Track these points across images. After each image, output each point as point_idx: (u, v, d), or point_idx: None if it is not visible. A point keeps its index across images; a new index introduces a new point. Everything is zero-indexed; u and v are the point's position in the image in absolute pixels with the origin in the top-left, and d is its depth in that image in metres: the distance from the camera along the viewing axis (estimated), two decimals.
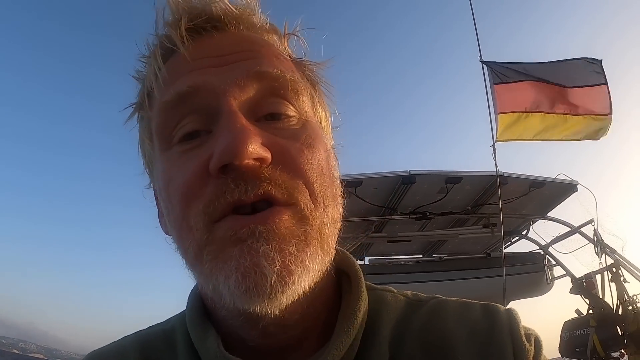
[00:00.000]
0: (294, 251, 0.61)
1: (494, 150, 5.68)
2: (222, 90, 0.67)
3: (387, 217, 6.04)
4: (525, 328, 0.77)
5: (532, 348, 0.74)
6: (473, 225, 6.48)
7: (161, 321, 0.92)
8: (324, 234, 0.67)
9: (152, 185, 0.86)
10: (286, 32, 0.83)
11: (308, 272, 0.62)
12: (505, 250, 6.20)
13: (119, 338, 0.90)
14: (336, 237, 0.72)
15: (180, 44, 0.72)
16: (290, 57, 0.82)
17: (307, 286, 0.62)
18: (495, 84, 6.10)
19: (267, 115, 0.70)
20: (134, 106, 0.82)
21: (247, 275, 0.58)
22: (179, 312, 0.90)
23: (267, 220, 0.61)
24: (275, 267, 0.59)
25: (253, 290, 0.58)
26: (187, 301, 0.83)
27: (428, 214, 5.97)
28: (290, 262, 0.60)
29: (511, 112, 6.02)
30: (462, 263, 6.73)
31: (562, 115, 6.07)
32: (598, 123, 6.08)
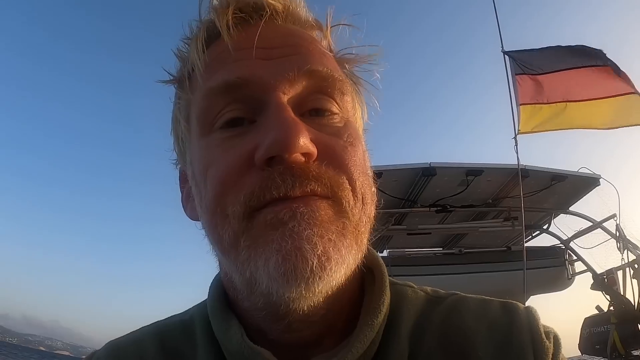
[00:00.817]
0: (333, 238, 0.61)
1: (516, 142, 5.60)
2: (271, 85, 0.68)
3: (407, 209, 6.02)
4: (544, 326, 0.77)
5: (552, 346, 0.74)
6: (494, 218, 6.43)
7: (179, 312, 0.92)
8: (359, 230, 0.67)
9: (179, 166, 0.88)
10: (329, 27, 0.82)
11: (344, 263, 0.62)
12: (525, 244, 6.16)
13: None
14: (368, 235, 0.72)
15: (225, 32, 0.72)
16: (332, 54, 0.82)
17: (341, 278, 0.62)
18: (517, 74, 6.00)
19: (312, 111, 0.71)
20: (172, 78, 0.83)
21: (287, 258, 0.58)
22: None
23: (309, 202, 0.62)
24: (317, 251, 0.59)
25: (292, 273, 0.58)
26: (208, 291, 0.84)
27: (448, 207, 5.95)
28: (330, 249, 0.60)
29: (533, 103, 5.93)
30: (483, 256, 6.69)
31: (590, 101, 5.91)
32: (628, 103, 5.86)
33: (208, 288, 0.85)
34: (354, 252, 0.65)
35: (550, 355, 0.73)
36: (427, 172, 5.50)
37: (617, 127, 5.90)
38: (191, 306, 0.92)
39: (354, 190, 0.67)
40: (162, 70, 0.83)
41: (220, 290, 0.81)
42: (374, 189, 0.74)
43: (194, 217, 0.81)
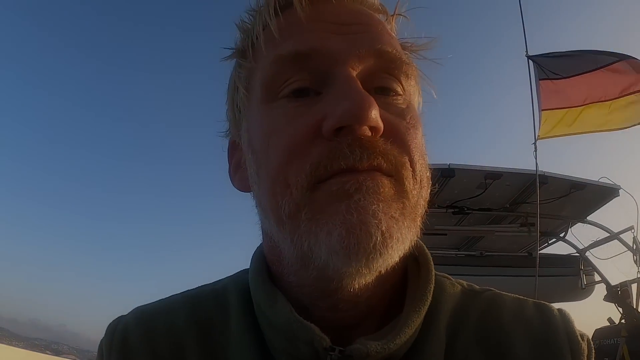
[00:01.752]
0: (395, 216, 0.61)
1: (535, 148, 5.55)
2: (341, 59, 0.68)
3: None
4: (577, 329, 0.77)
5: (586, 348, 0.75)
6: (510, 223, 6.40)
7: (209, 282, 0.91)
8: (417, 213, 0.68)
9: (229, 135, 0.89)
10: (396, 13, 0.83)
11: (403, 242, 0.62)
12: (542, 252, 6.10)
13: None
14: (421, 220, 0.71)
15: (298, 3, 0.72)
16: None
17: (397, 257, 0.62)
18: (541, 79, 5.90)
19: (377, 89, 0.71)
20: (233, 51, 0.83)
21: (352, 232, 0.58)
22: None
23: (374, 177, 0.61)
24: (382, 227, 0.58)
25: (355, 247, 0.58)
26: (250, 263, 0.83)
27: (465, 209, 5.93)
28: (393, 226, 0.60)
29: (555, 108, 5.85)
30: (499, 260, 6.64)
31: (615, 100, 5.74)
32: None
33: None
34: (412, 233, 0.65)
35: (586, 357, 0.74)
36: (446, 173, 5.48)
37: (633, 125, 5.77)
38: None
39: (414, 171, 0.67)
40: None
41: (263, 263, 0.80)
42: (429, 173, 0.73)
43: (242, 187, 0.82)
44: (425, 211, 0.72)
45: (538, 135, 5.69)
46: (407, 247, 0.64)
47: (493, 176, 5.56)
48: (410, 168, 0.66)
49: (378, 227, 0.58)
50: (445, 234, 6.59)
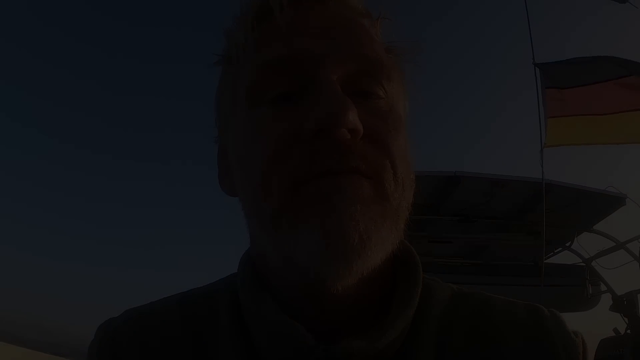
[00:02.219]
0: (374, 218, 0.61)
1: (542, 156, 5.54)
2: (322, 63, 0.68)
3: (430, 216, 5.97)
4: (569, 327, 0.77)
5: (581, 344, 0.75)
6: (516, 232, 6.38)
7: (202, 285, 0.91)
8: (399, 215, 0.67)
9: (218, 140, 0.89)
10: (381, 17, 0.82)
11: (383, 244, 0.62)
12: (547, 261, 6.08)
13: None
14: (405, 222, 0.71)
15: (277, 9, 0.72)
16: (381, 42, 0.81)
17: (379, 260, 0.62)
18: (547, 87, 5.90)
19: (358, 92, 0.70)
20: (220, 58, 0.84)
21: (329, 234, 0.58)
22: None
23: (353, 180, 0.62)
24: (359, 229, 0.58)
25: (333, 250, 0.58)
26: (238, 265, 0.83)
27: (471, 217, 5.92)
28: (371, 228, 0.60)
29: (562, 116, 5.84)
30: (503, 269, 6.63)
31: (624, 113, 5.77)
32: None
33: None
34: (393, 235, 0.65)
35: (582, 353, 0.74)
36: (452, 181, 5.48)
37: None
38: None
39: (395, 174, 0.67)
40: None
41: (251, 265, 0.80)
42: (413, 176, 0.73)
43: (231, 192, 0.82)
44: (432, 219, 0.73)
45: (544, 143, 5.68)
46: (388, 250, 0.65)
47: (499, 184, 5.55)
48: (391, 170, 0.67)
49: (356, 229, 0.59)
50: (451, 242, 6.59)
